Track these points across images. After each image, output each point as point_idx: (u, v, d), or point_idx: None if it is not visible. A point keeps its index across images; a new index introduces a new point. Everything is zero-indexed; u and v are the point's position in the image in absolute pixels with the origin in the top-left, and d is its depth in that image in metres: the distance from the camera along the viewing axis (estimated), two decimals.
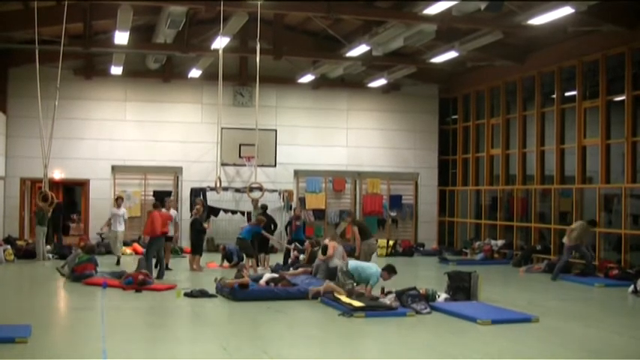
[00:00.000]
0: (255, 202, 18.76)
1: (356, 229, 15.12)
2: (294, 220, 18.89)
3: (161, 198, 19.55)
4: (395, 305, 11.16)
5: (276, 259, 18.09)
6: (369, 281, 12.20)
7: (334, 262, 13.87)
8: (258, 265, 16.49)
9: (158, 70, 21.96)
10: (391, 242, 21.91)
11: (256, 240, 16.69)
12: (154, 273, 14.78)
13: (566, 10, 13.81)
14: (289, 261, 17.33)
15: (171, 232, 17.01)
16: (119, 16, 15.47)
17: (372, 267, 12.56)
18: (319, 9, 16.50)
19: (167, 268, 16.15)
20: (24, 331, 8.88)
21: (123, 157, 22.18)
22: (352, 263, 12.68)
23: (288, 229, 19.54)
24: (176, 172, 22.64)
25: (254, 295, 12.16)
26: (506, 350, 8.83)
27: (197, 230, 16.86)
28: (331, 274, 13.25)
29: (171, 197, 20.13)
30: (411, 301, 11.21)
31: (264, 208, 18.26)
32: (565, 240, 16.24)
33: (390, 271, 12.42)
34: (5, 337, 8.53)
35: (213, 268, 17.14)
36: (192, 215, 17.78)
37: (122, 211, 18.13)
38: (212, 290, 12.72)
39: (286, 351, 8.67)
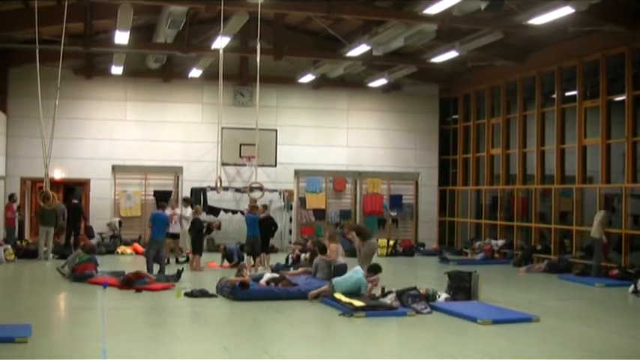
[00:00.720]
0: (254, 202, 18.70)
1: (353, 233, 14.99)
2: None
3: (163, 198, 19.63)
4: (395, 305, 11.16)
5: (276, 259, 18.08)
6: (359, 288, 11.95)
7: (338, 261, 13.86)
8: (258, 265, 16.51)
9: (158, 69, 21.95)
10: (391, 242, 21.89)
11: (264, 233, 16.77)
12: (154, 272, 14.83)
13: (567, 10, 13.79)
14: (290, 261, 17.33)
15: (176, 230, 17.81)
16: (119, 16, 15.47)
17: (357, 272, 12.23)
18: (320, 9, 16.49)
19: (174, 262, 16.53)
20: (24, 330, 8.88)
21: (123, 157, 22.18)
22: (334, 280, 12.24)
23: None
24: (176, 171, 22.63)
25: (254, 295, 12.16)
26: (507, 350, 8.83)
27: (197, 230, 16.89)
28: (335, 273, 13.21)
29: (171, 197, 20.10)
30: (411, 300, 11.21)
31: (265, 207, 18.28)
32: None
33: (375, 271, 12.36)
34: (5, 337, 8.53)
35: (214, 268, 17.14)
36: (191, 215, 17.80)
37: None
38: (212, 290, 12.72)
39: (287, 351, 8.67)
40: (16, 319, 10.04)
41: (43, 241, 18.41)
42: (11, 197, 19.75)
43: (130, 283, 13.25)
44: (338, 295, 11.63)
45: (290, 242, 19.55)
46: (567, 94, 19.20)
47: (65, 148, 20.77)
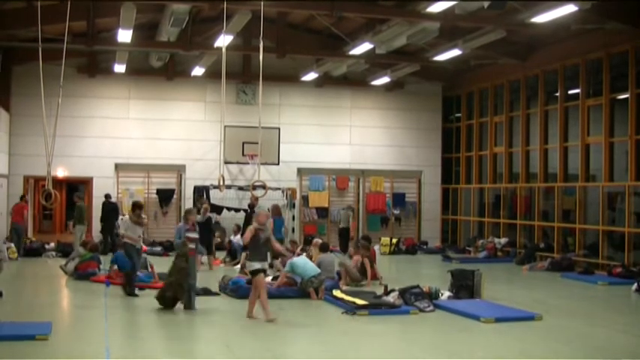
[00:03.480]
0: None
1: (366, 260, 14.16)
2: None
3: (166, 196, 19.57)
4: (398, 303, 11.16)
5: None
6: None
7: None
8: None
9: (161, 68, 21.94)
10: (394, 240, 21.89)
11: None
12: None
13: (570, 8, 13.77)
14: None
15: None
16: (122, 14, 15.48)
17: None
18: (323, 7, 16.51)
19: None
20: (45, 328, 8.93)
21: (126, 155, 22.19)
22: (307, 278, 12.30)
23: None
24: (179, 170, 22.64)
25: None
26: (510, 348, 8.83)
27: (208, 230, 16.91)
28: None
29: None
30: (414, 299, 11.21)
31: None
32: None
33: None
34: (25, 335, 8.58)
35: (217, 266, 17.13)
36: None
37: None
38: (215, 288, 12.73)
39: (289, 349, 8.68)
40: (17, 318, 10.07)
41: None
42: (23, 197, 19.85)
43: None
44: (340, 294, 11.64)
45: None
46: (570, 92, 19.17)
47: (68, 147, 20.79)
